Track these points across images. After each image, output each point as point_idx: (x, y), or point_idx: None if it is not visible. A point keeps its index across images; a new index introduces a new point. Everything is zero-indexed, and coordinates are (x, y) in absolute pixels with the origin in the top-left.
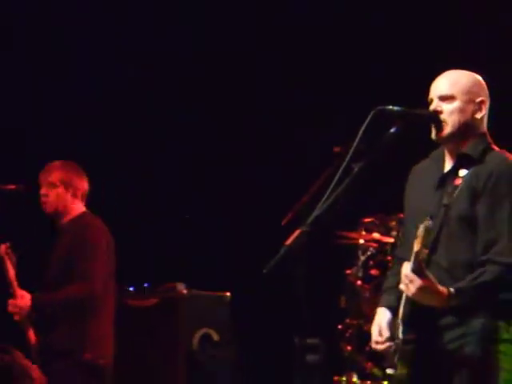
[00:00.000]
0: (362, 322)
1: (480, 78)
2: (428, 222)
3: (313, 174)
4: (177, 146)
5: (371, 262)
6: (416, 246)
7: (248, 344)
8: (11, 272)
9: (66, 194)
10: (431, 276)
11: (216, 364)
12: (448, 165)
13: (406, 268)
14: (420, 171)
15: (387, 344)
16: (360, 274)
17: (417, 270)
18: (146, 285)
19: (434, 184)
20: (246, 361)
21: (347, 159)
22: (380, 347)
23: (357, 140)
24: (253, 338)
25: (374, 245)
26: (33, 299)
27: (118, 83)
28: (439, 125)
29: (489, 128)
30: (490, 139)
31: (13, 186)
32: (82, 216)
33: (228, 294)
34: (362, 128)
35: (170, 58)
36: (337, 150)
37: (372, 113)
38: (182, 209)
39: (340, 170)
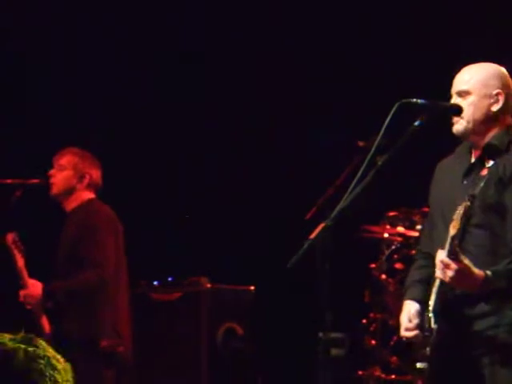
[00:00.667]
0: (386, 316)
1: (501, 69)
2: (467, 203)
3: (337, 169)
4: (201, 142)
5: (395, 256)
6: (452, 230)
7: (272, 338)
8: (20, 261)
9: (74, 178)
10: (467, 260)
11: (240, 358)
12: (474, 157)
13: (441, 254)
14: (446, 166)
15: (417, 332)
16: (384, 268)
17: (452, 255)
18: (169, 279)
19: (460, 176)
20: (270, 355)
21: (371, 153)
22: (410, 334)
23: (381, 133)
24: (277, 332)
25: (399, 239)
26: (44, 287)
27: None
28: (456, 120)
29: None
30: None
31: (36, 180)
32: (89, 202)
33: (252, 287)
34: (386, 121)
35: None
36: (361, 143)
37: (396, 106)
38: (205, 203)
39: (364, 164)
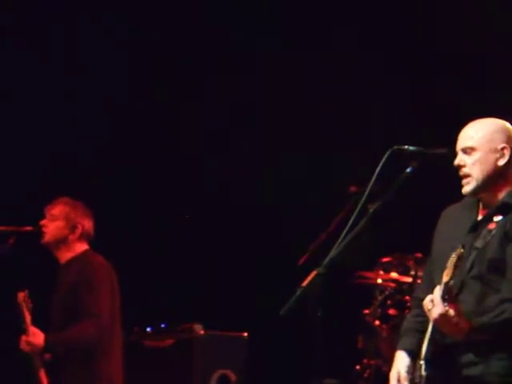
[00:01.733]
0: (379, 362)
1: (505, 123)
2: (461, 250)
3: (330, 215)
4: (188, 187)
5: (389, 302)
6: (445, 277)
7: None
8: (28, 318)
9: (66, 228)
10: (458, 305)
11: None
12: (481, 213)
13: (436, 292)
14: (451, 216)
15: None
16: (378, 314)
17: (445, 296)
18: (162, 325)
19: (466, 229)
20: None
21: (363, 199)
22: None
23: (373, 180)
24: (270, 379)
25: (392, 284)
26: (46, 338)
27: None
28: (464, 178)
29: None
30: None
31: (30, 228)
32: (84, 254)
33: (245, 334)
34: (378, 168)
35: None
36: (353, 189)
37: (388, 152)
38: (197, 249)
39: (356, 211)
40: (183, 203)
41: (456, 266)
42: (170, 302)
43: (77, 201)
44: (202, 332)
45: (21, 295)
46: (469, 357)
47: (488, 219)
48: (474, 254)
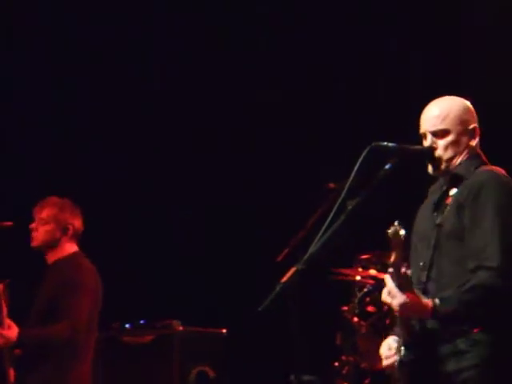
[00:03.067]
0: (358, 359)
1: (467, 102)
2: (396, 227)
3: (308, 211)
4: (171, 190)
5: (368, 299)
6: (392, 257)
7: (244, 381)
8: (4, 310)
9: (57, 231)
10: (414, 290)
11: None
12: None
13: (389, 283)
14: (423, 207)
15: (396, 357)
16: (356, 311)
17: (399, 285)
18: (141, 321)
19: (431, 210)
20: None
21: (342, 196)
22: (390, 360)
23: (351, 176)
24: (249, 375)
25: (371, 281)
26: (19, 332)
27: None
28: (435, 161)
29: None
30: (484, 159)
31: (10, 223)
32: (72, 256)
33: (224, 330)
34: (357, 164)
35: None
36: (331, 186)
37: (367, 149)
38: (178, 245)
39: (335, 207)
40: (164, 200)
41: (397, 243)
42: (149, 299)
43: (64, 199)
44: (180, 328)
45: (0, 286)
46: (445, 347)
47: (444, 195)
48: (435, 231)
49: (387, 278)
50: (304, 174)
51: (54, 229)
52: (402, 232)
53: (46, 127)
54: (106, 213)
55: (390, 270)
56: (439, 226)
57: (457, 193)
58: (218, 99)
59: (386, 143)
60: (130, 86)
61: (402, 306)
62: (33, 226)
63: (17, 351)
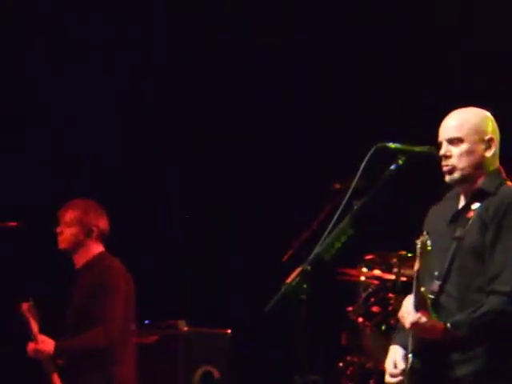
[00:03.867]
0: (363, 360)
1: (488, 114)
2: (425, 237)
3: (313, 212)
4: (176, 189)
5: (372, 299)
6: (416, 265)
7: (249, 381)
8: (35, 328)
9: (81, 233)
10: (430, 312)
11: None
12: (462, 202)
13: (408, 301)
14: (435, 212)
15: (401, 378)
16: (361, 311)
17: (417, 304)
18: (146, 322)
19: (447, 221)
20: None
21: (347, 196)
22: (394, 380)
23: (357, 177)
24: (254, 376)
25: (375, 282)
26: (56, 346)
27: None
28: (449, 169)
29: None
30: (504, 175)
31: (14, 223)
32: (99, 258)
33: (229, 331)
34: (363, 164)
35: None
36: (337, 186)
37: (372, 149)
38: (184, 245)
39: (340, 208)
40: (167, 199)
41: (422, 253)
42: (154, 299)
43: (87, 200)
44: (185, 329)
45: (25, 306)
46: (453, 356)
47: (466, 208)
48: (454, 244)
49: (408, 298)
50: (309, 175)
51: (79, 231)
52: (429, 242)
53: (46, 127)
54: (108, 213)
55: (413, 278)
56: (459, 239)
57: (480, 208)
58: (217, 98)
59: (391, 143)
60: (130, 85)
61: (414, 324)
62: (58, 229)
63: (59, 361)
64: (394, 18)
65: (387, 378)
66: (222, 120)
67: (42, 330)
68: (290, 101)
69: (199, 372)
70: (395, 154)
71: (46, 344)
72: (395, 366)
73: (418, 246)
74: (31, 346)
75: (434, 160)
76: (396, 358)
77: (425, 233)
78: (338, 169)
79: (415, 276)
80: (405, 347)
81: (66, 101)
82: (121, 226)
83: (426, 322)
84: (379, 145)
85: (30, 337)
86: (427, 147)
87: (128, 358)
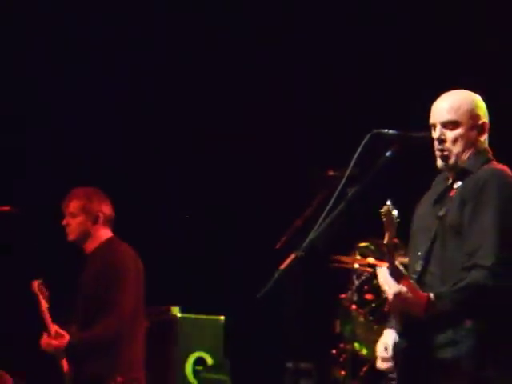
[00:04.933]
0: (356, 347)
1: (479, 97)
2: (388, 206)
3: (307, 199)
4: (174, 175)
5: (366, 287)
6: (386, 237)
7: (242, 368)
8: (44, 307)
9: (87, 222)
10: (410, 281)
11: None
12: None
13: (383, 274)
14: (424, 198)
15: (391, 363)
16: (354, 299)
17: (394, 275)
18: None
19: (432, 201)
20: None
21: (342, 183)
22: (384, 365)
23: (351, 163)
24: (246, 363)
25: (369, 269)
26: (70, 341)
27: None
28: (443, 153)
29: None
30: (490, 155)
31: (6, 208)
32: (108, 242)
33: (222, 317)
34: (357, 151)
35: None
36: (331, 173)
37: (367, 136)
38: (178, 232)
39: (335, 194)
40: (163, 188)
41: (389, 223)
42: (148, 285)
43: (88, 188)
44: (179, 315)
45: (35, 284)
46: (440, 337)
47: (449, 187)
48: (436, 223)
49: (382, 271)
50: (303, 162)
51: (85, 220)
52: (395, 212)
53: (46, 127)
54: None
55: (385, 250)
56: (441, 217)
57: (461, 186)
58: (217, 98)
59: (386, 130)
60: (129, 86)
61: (396, 294)
62: (64, 222)
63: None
64: (394, 18)
65: (378, 363)
66: (221, 120)
67: (51, 309)
68: (288, 87)
69: (192, 358)
70: (391, 140)
71: (60, 339)
72: (386, 350)
73: (382, 214)
74: (45, 339)
75: (430, 145)
76: (387, 342)
77: (388, 202)
78: (332, 155)
79: (386, 248)
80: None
81: (66, 101)
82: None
83: (407, 292)
84: (374, 131)
85: (40, 315)
86: (422, 133)
87: (136, 341)
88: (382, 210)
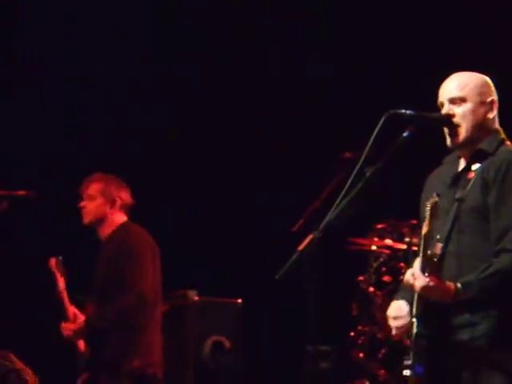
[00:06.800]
0: (374, 329)
1: (487, 78)
2: (435, 199)
3: (324, 181)
4: (189, 160)
5: (383, 269)
6: (424, 228)
7: (260, 351)
8: (61, 285)
9: (105, 205)
10: (438, 273)
11: (227, 371)
12: (462, 165)
13: (415, 265)
14: (434, 176)
15: (407, 319)
16: (372, 281)
17: (425, 268)
18: None
19: (447, 183)
20: (258, 368)
21: (359, 164)
22: (399, 322)
23: (369, 144)
24: (264, 346)
25: (387, 251)
26: (87, 321)
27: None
28: (453, 129)
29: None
30: (503, 135)
31: (23, 192)
32: (124, 226)
33: (240, 300)
34: (374, 132)
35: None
36: (348, 154)
37: (384, 116)
38: (194, 216)
39: (352, 175)
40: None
41: (433, 215)
42: (164, 269)
43: (108, 174)
44: (196, 298)
45: (52, 261)
46: (458, 319)
47: (466, 169)
48: (455, 205)
49: (416, 261)
50: (320, 143)
51: (103, 203)
52: (437, 199)
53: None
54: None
55: (420, 240)
56: (460, 200)
57: (481, 168)
58: (217, 97)
59: (403, 110)
60: (130, 85)
61: (424, 288)
62: (82, 204)
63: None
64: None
65: (392, 322)
66: (236, 101)
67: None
68: (304, 74)
69: (209, 342)
70: (408, 120)
71: (78, 323)
72: (400, 310)
73: (428, 207)
74: (64, 326)
75: (448, 125)
76: (399, 303)
77: (435, 195)
78: (349, 137)
79: (423, 239)
80: (409, 302)
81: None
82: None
83: (435, 285)
84: (391, 111)
85: (57, 295)
86: (439, 113)
87: (154, 326)
88: (428, 203)
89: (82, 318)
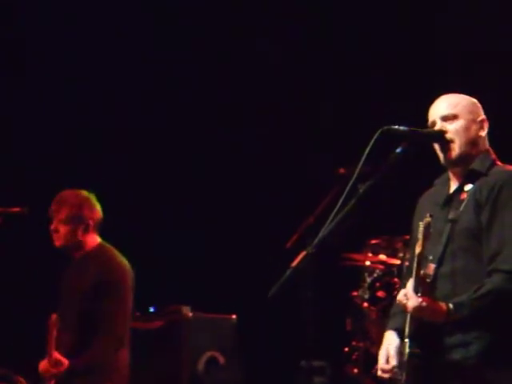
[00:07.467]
0: (368, 344)
1: (475, 100)
2: (427, 220)
3: (318, 197)
4: (179, 175)
5: (377, 284)
6: (417, 248)
7: (254, 367)
8: (53, 336)
9: (79, 229)
10: (431, 295)
11: None
12: (454, 185)
13: (408, 285)
14: (426, 198)
15: (392, 374)
16: (366, 296)
17: (418, 288)
18: (152, 309)
19: (440, 204)
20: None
21: (352, 180)
22: (385, 376)
23: (362, 160)
24: (259, 361)
25: (381, 266)
26: (69, 368)
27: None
28: (446, 145)
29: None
30: (493, 155)
31: (17, 209)
32: (98, 250)
33: (234, 316)
34: (368, 148)
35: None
36: (341, 171)
37: (377, 133)
38: (187, 233)
39: (346, 191)
40: (174, 185)
41: (426, 236)
42: (159, 285)
43: (77, 192)
44: (190, 314)
45: (53, 317)
46: (451, 339)
47: (459, 190)
48: (448, 226)
49: (409, 282)
50: (313, 160)
51: (76, 228)
52: (431, 220)
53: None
54: (113, 197)
55: (413, 261)
56: (453, 221)
57: (473, 189)
58: (217, 97)
59: (397, 126)
60: (129, 85)
61: (417, 309)
62: (53, 227)
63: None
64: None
65: (379, 372)
66: (232, 119)
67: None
68: (297, 84)
69: (204, 358)
70: (401, 136)
71: (59, 367)
72: (387, 361)
73: (421, 228)
74: (44, 365)
75: (443, 142)
76: (389, 352)
77: (428, 215)
78: (342, 153)
79: (416, 259)
80: (399, 332)
81: (67, 100)
82: (125, 212)
83: (427, 306)
84: (385, 128)
85: (46, 340)
86: (433, 129)
87: (126, 349)
88: (421, 223)
89: (64, 363)
